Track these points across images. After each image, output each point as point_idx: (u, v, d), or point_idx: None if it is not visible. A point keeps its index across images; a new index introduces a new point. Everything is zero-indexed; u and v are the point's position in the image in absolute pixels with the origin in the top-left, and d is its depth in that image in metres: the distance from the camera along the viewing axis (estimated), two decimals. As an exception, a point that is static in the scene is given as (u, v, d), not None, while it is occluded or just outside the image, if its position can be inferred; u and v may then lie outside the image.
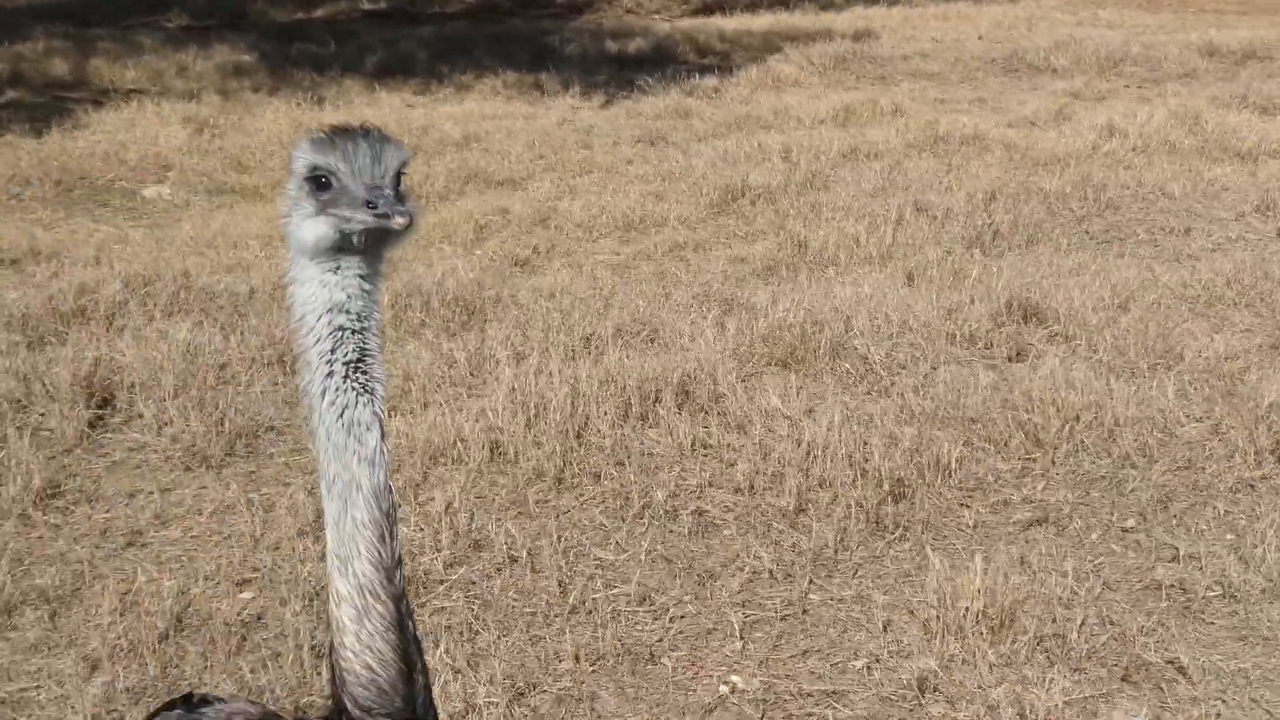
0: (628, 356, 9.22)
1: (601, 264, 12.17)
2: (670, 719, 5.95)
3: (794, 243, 12.16)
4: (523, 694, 6.06)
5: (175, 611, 6.65)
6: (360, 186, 2.91)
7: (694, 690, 6.13)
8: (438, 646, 6.37)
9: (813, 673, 6.20)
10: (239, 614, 6.68)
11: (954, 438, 7.91)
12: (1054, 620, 6.30)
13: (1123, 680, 5.99)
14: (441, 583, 6.96)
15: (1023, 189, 13.74)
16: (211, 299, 10.79)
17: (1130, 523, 7.18)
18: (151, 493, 7.90)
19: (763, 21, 29.98)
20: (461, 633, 6.48)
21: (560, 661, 6.34)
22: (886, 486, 7.44)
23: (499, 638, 6.47)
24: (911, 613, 6.54)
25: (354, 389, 2.95)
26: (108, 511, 7.71)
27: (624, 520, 7.44)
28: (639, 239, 13.05)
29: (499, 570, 7.05)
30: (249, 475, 8.13)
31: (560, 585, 6.89)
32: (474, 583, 6.96)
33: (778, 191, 14.22)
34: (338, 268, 2.99)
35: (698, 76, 21.64)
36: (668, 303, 10.66)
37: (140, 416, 8.74)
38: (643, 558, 7.14)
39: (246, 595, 6.91)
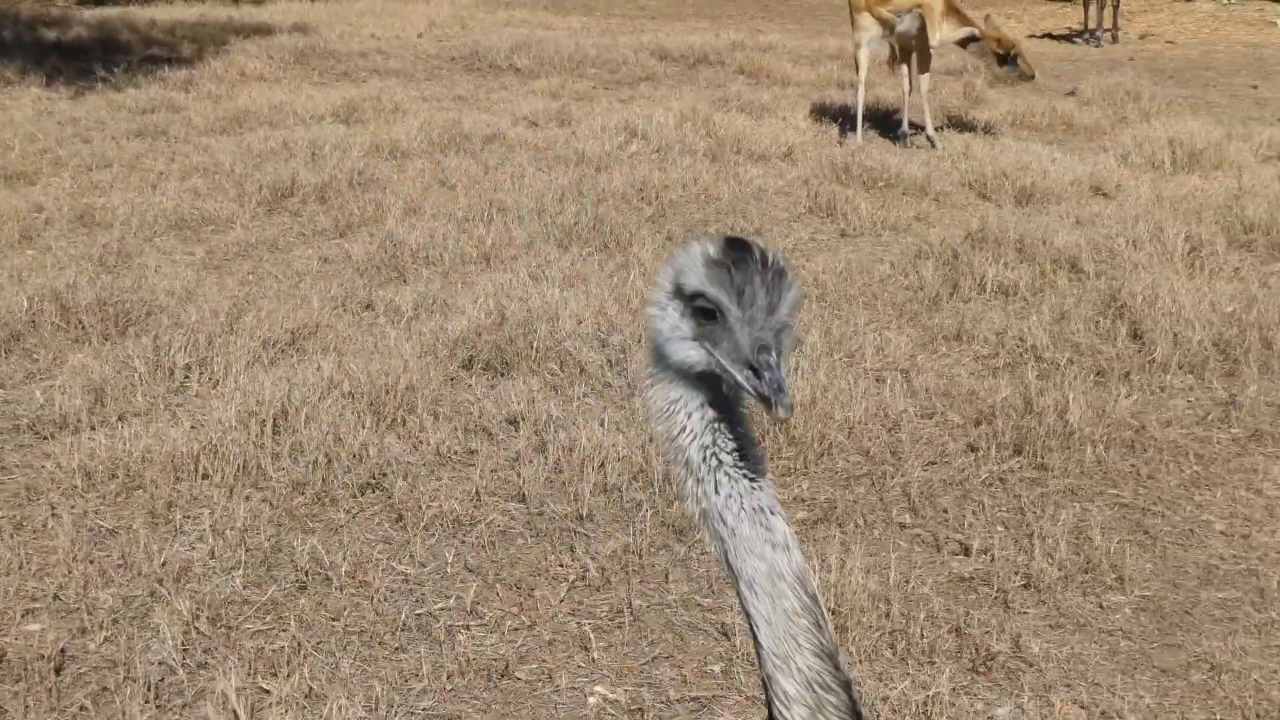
0: (334, 364, 8.76)
1: (185, 264, 11.43)
2: (549, 734, 5.75)
3: (393, 242, 11.81)
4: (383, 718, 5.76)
5: (-37, 652, 5.85)
6: (746, 337, 2.69)
7: (561, 703, 5.94)
8: (276, 675, 5.93)
9: (672, 680, 6.11)
10: (34, 648, 5.95)
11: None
12: (888, 617, 6.45)
13: (974, 673, 6.19)
14: (245, 603, 6.43)
15: (591, 191, 13.91)
16: None
17: (905, 518, 7.45)
18: None
19: (191, 13, 29.22)
20: (289, 659, 6.03)
21: (415, 681, 6.00)
22: (674, 489, 7.40)
23: (334, 661, 6.06)
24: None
25: (745, 477, 2.81)
26: None
27: (410, 531, 7.08)
28: (207, 239, 12.39)
29: (301, 590, 6.58)
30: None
31: (371, 602, 6.50)
32: (278, 603, 6.46)
33: (328, 189, 13.79)
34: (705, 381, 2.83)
35: (167, 68, 20.81)
36: (311, 307, 10.14)
37: None
38: (448, 570, 6.82)
39: (35, 627, 6.18)
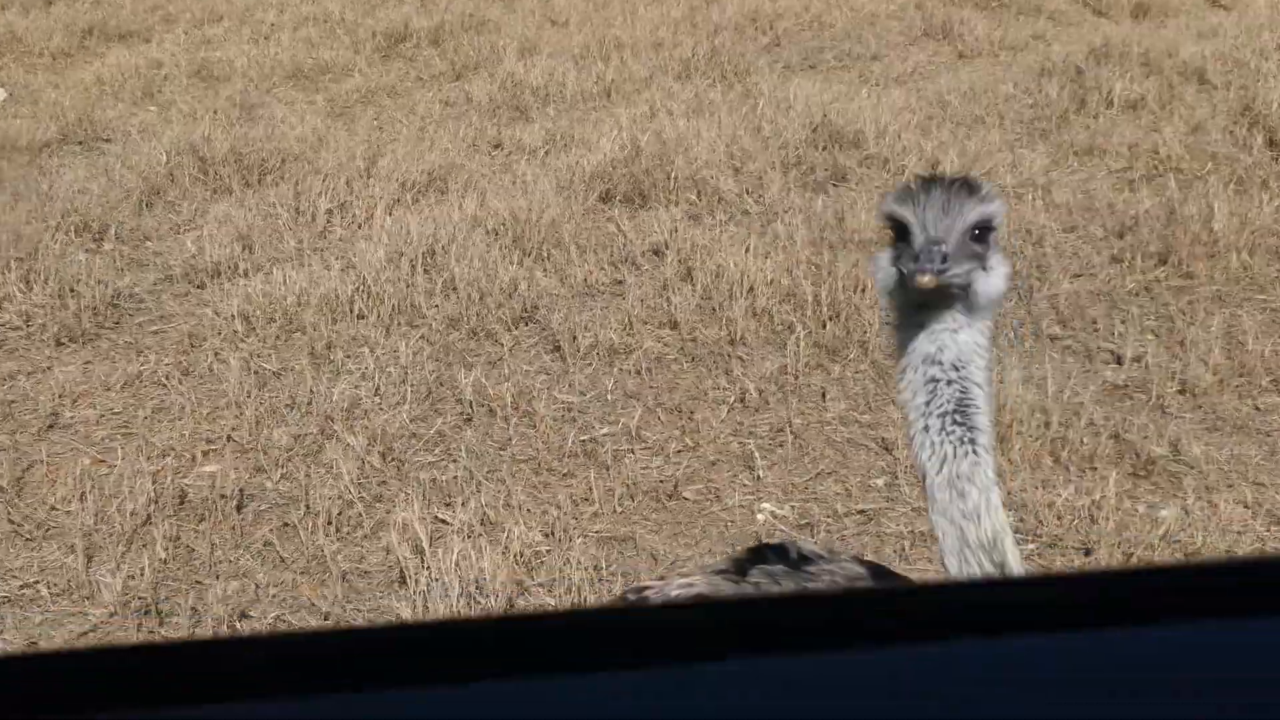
0: (476, 202, 8.83)
1: (310, 112, 11.49)
2: (723, 550, 5.82)
3: (513, 82, 11.80)
4: (560, 543, 5.86)
5: (148, 492, 5.98)
6: (923, 240, 2.74)
7: (730, 521, 6.01)
8: (449, 505, 6.03)
9: (837, 494, 6.17)
10: (215, 488, 6.08)
11: (864, 260, 7.97)
12: (1048, 426, 6.47)
13: (1135, 477, 6.22)
14: (413, 436, 6.54)
15: (704, 22, 13.80)
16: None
17: (1055, 329, 7.44)
18: (33, 373, 7.07)
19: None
20: (463, 488, 6.13)
21: (587, 505, 6.09)
22: (826, 310, 7.43)
23: (506, 490, 6.14)
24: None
25: (951, 442, 2.77)
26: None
27: (568, 361, 7.15)
28: (326, 87, 12.44)
29: (467, 422, 6.68)
30: (128, 346, 7.41)
31: (537, 431, 6.59)
32: (445, 435, 6.56)
33: (441, 32, 13.78)
34: (923, 321, 2.82)
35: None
36: (442, 150, 10.19)
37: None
38: (608, 398, 6.89)
39: (213, 468, 6.31)
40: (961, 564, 2.72)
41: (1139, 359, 6.99)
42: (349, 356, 7.25)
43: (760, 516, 6.04)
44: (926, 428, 2.76)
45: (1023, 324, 6.95)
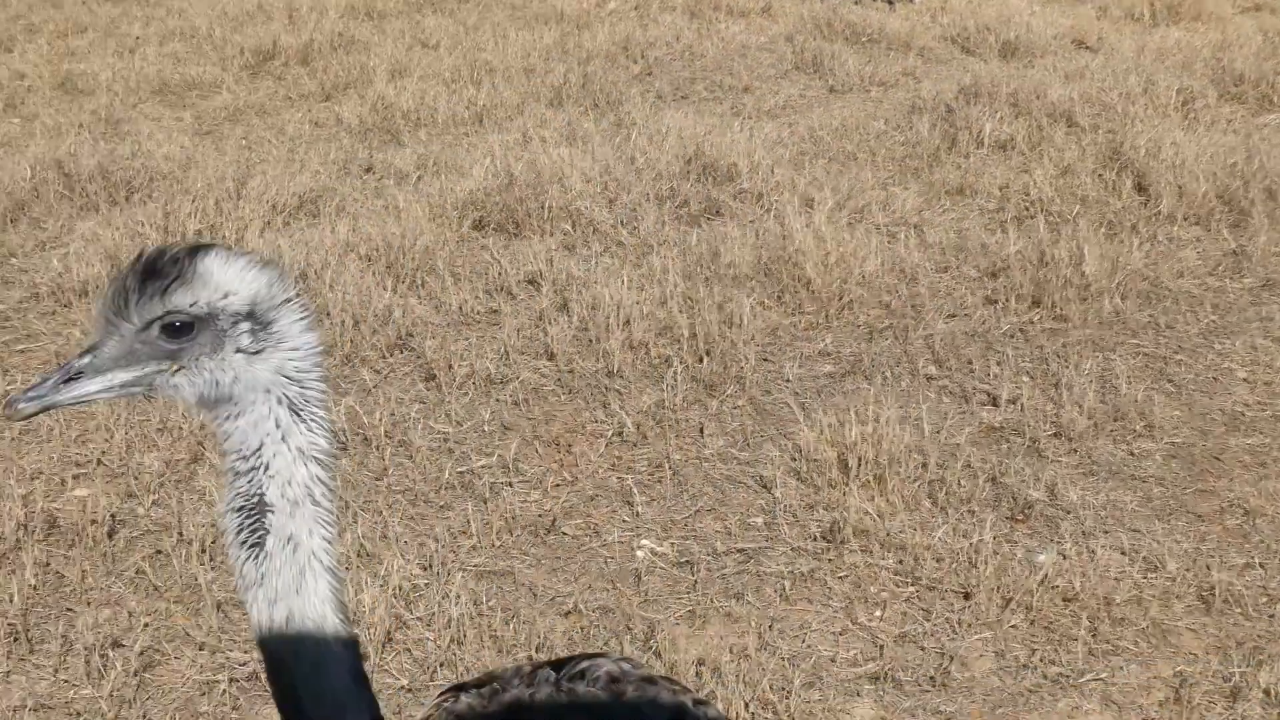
0: (349, 227, 8.74)
1: (177, 130, 11.31)
2: (602, 586, 5.81)
3: (384, 104, 11.71)
4: (439, 576, 5.83)
5: (17, 516, 5.88)
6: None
7: (610, 557, 6.01)
8: (340, 535, 5.92)
9: (717, 532, 6.18)
10: (86, 513, 5.97)
11: (735, 297, 8.01)
12: (925, 468, 6.53)
13: (1013, 520, 6.28)
14: (287, 467, 6.42)
15: (575, 49, 13.79)
16: None
17: (931, 369, 7.51)
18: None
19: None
20: (339, 519, 6.02)
21: (465, 538, 6.06)
22: (702, 345, 7.45)
23: (383, 521, 6.16)
24: (793, 467, 6.60)
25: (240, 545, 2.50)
26: None
27: (444, 391, 7.11)
28: (194, 104, 12.29)
29: (342, 450, 6.60)
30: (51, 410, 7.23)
31: (413, 461, 6.54)
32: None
33: (310, 51, 13.64)
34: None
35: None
36: (313, 172, 10.07)
37: None
38: (485, 428, 6.85)
39: (83, 492, 6.18)
40: None
41: (1015, 401, 7.07)
42: (220, 381, 7.10)
43: (640, 554, 6.03)
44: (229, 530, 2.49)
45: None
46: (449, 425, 6.84)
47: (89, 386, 2.39)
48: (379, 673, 5.20)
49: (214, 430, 2.48)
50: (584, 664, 3.08)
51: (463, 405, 6.99)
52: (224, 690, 5.17)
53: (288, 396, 2.45)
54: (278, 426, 2.44)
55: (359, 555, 5.81)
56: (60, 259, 8.45)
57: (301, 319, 2.47)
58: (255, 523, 2.42)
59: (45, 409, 2.40)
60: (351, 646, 2.42)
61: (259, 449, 2.43)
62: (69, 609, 5.57)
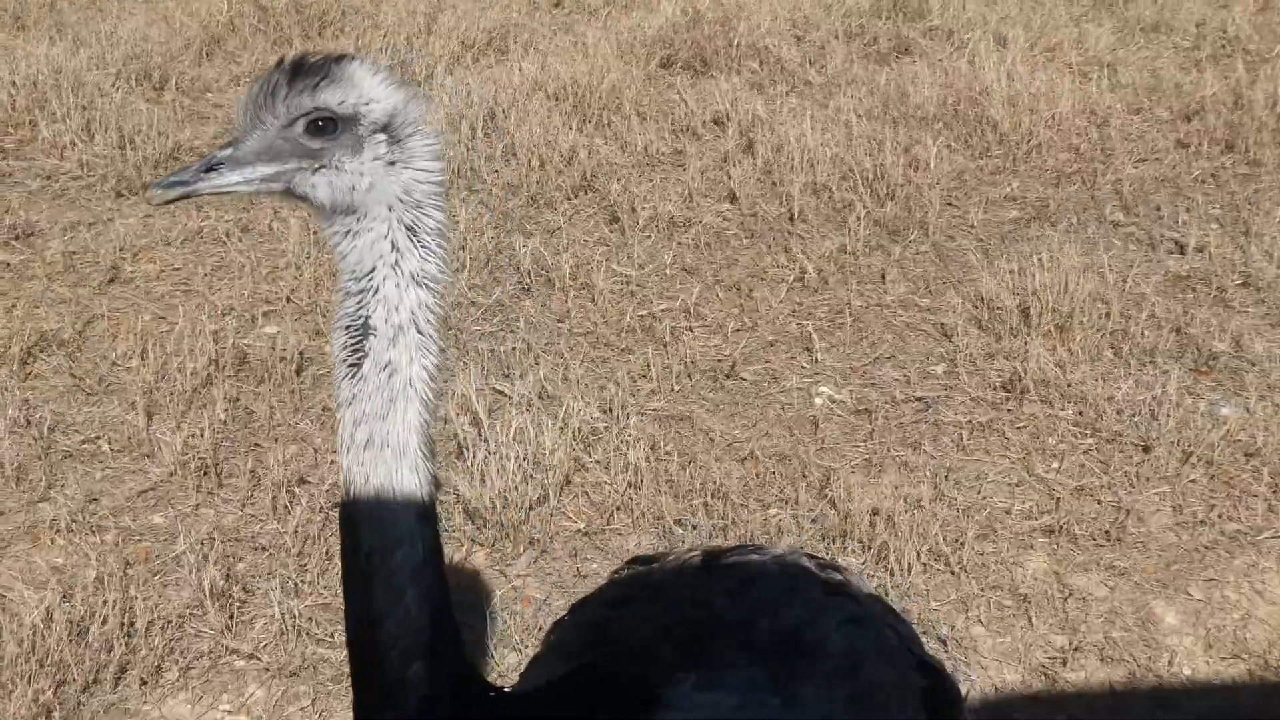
0: (538, 65, 8.74)
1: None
2: (779, 433, 5.83)
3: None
4: (617, 420, 5.85)
5: (209, 352, 6.01)
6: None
7: (788, 403, 6.01)
8: (507, 377, 6.02)
9: (896, 380, 6.16)
10: (275, 351, 6.10)
11: (925, 138, 7.91)
12: (1108, 318, 6.43)
13: (1196, 372, 6.18)
14: (472, 305, 6.54)
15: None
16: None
17: (1119, 216, 7.37)
18: (94, 224, 7.08)
19: None
20: (521, 360, 6.13)
21: (645, 382, 6.10)
22: (886, 189, 7.38)
23: (564, 363, 6.20)
24: (974, 315, 6.55)
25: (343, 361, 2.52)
26: (52, 245, 6.97)
27: (627, 233, 7.13)
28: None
29: (525, 292, 6.68)
30: (190, 199, 7.32)
31: (595, 304, 6.58)
32: (504, 305, 6.56)
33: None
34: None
35: None
36: (503, 7, 10.08)
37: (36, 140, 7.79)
38: (667, 272, 6.88)
39: (271, 330, 6.32)
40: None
41: (1202, 249, 6.95)
42: (405, 220, 7.20)
43: (818, 400, 6.06)
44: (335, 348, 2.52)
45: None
46: (631, 268, 6.88)
47: (230, 177, 2.42)
48: (556, 516, 5.30)
49: (333, 247, 2.52)
50: (741, 556, 3.08)
51: (645, 248, 7.03)
52: (405, 529, 5.28)
53: (407, 220, 2.45)
54: (394, 249, 2.45)
55: (540, 397, 5.89)
56: (253, 94, 8.56)
57: (431, 144, 2.47)
58: (358, 344, 2.44)
59: (185, 196, 2.43)
60: (428, 480, 2.43)
61: (371, 272, 2.45)
62: (257, 444, 5.74)
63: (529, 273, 6.78)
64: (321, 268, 6.79)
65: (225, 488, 5.50)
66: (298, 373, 6.12)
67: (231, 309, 6.55)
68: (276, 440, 5.74)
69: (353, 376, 2.42)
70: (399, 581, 2.35)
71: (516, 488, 5.25)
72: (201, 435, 5.64)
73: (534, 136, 7.81)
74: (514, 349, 6.26)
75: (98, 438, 5.73)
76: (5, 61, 8.73)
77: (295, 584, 4.93)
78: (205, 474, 5.52)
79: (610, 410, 5.87)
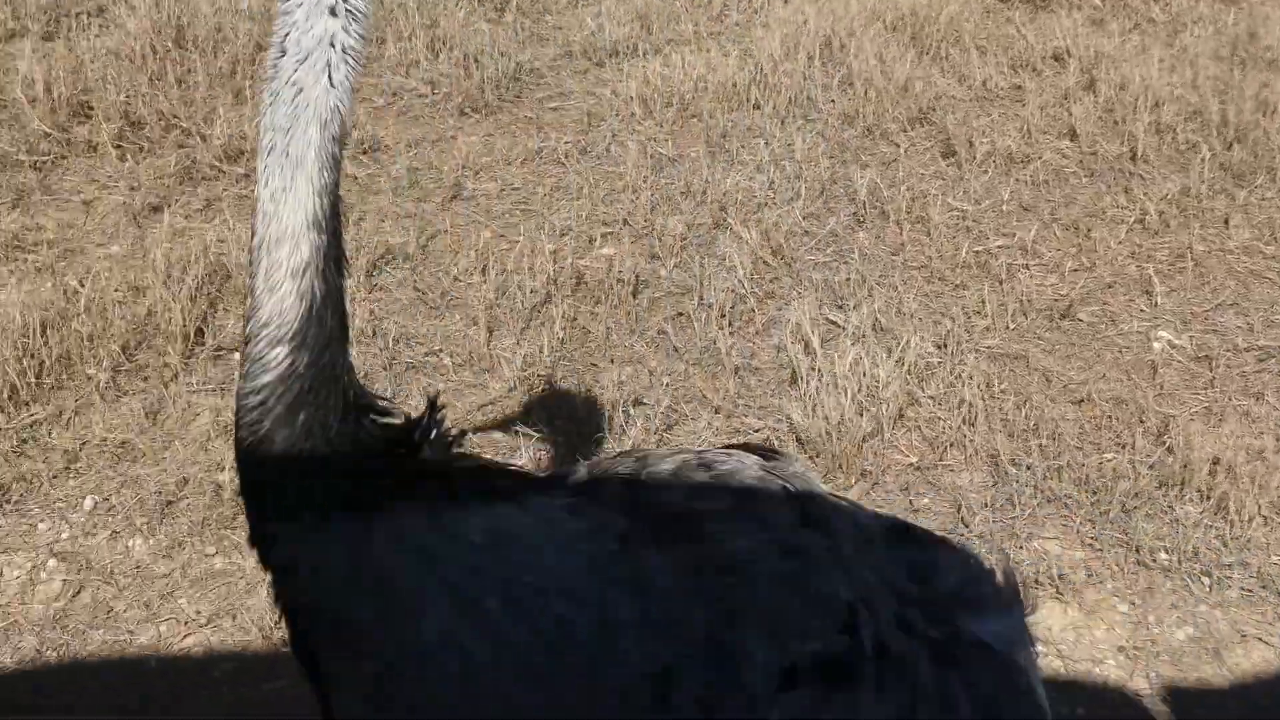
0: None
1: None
2: (1116, 376, 5.71)
3: None
4: (952, 356, 5.84)
5: (547, 271, 6.14)
6: None
7: (1125, 347, 5.89)
8: (840, 308, 6.03)
9: (1238, 328, 5.99)
10: (611, 272, 6.21)
11: (1275, 81, 7.65)
12: None
13: None
14: (806, 234, 6.55)
15: None
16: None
17: None
18: (438, 141, 7.28)
19: None
20: (854, 292, 6.13)
21: (979, 319, 6.03)
22: (1233, 132, 7.15)
23: (898, 296, 6.21)
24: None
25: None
26: (398, 160, 7.23)
27: (963, 168, 7.06)
28: None
29: (859, 223, 6.66)
30: (528, 121, 7.55)
31: (930, 238, 6.53)
32: (838, 236, 6.55)
33: None
34: None
35: None
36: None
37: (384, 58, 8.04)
38: (1004, 209, 6.79)
39: (609, 251, 6.43)
40: None
41: None
42: (743, 147, 7.28)
43: (1157, 345, 5.95)
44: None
45: None
46: (967, 203, 6.83)
47: None
48: (889, 449, 5.32)
49: None
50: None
51: (982, 183, 6.97)
52: (740, 455, 5.36)
53: None
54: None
55: (874, 330, 5.90)
56: (593, 17, 8.71)
57: None
58: (275, 61, 2.61)
59: None
60: (323, 192, 2.62)
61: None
62: (593, 364, 5.86)
63: (864, 204, 6.76)
64: (658, 192, 6.89)
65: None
66: (634, 294, 6.22)
67: (569, 229, 6.67)
68: (612, 361, 5.85)
69: (269, 89, 2.61)
70: (278, 276, 2.58)
71: (850, 419, 5.27)
72: (540, 353, 5.78)
73: (870, 67, 7.77)
74: (848, 279, 6.27)
75: (440, 350, 5.92)
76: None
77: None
78: (544, 391, 5.64)
79: (944, 346, 5.85)
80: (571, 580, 2.57)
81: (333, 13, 2.60)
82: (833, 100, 7.64)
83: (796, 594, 2.61)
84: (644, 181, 6.96)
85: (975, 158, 7.11)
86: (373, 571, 2.58)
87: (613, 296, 6.20)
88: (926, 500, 5.09)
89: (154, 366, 5.71)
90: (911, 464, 5.29)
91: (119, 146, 7.12)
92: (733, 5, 8.94)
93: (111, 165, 7.04)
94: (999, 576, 2.82)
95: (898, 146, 7.28)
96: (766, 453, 3.00)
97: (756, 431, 5.41)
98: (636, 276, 6.32)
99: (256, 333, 2.60)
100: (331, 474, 2.61)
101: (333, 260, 2.62)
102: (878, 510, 3.14)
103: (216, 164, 7.01)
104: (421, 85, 7.96)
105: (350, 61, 2.64)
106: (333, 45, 2.60)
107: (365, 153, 7.26)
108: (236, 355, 5.72)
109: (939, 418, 5.44)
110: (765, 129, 7.41)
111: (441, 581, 2.55)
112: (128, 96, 7.37)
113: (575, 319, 6.08)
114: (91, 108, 7.44)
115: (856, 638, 2.54)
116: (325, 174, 2.60)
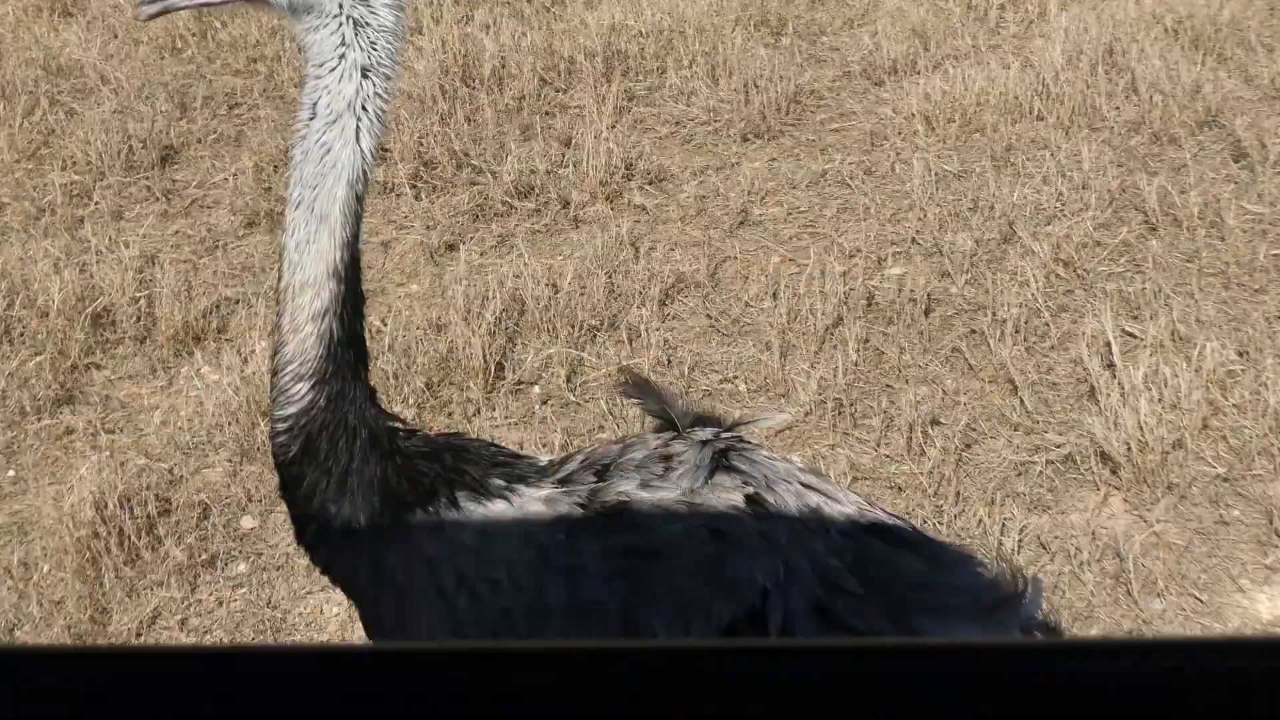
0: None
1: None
2: None
3: None
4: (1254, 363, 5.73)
5: (838, 293, 6.22)
6: None
7: None
8: (1136, 318, 5.97)
9: None
10: (902, 292, 6.25)
11: None
12: None
13: None
14: (1097, 245, 6.50)
15: None
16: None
17: None
18: (721, 168, 7.42)
19: None
20: (1150, 301, 6.06)
21: (1278, 323, 5.93)
22: None
23: (1195, 304, 6.13)
24: None
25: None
26: (685, 189, 7.38)
27: (1256, 170, 6.94)
28: None
29: (1152, 232, 6.59)
30: (811, 144, 7.62)
31: (1224, 243, 6.44)
32: (1129, 245, 6.49)
33: None
34: None
35: None
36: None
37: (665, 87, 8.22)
38: None
39: (898, 270, 6.48)
40: None
41: None
42: (1029, 159, 7.27)
43: None
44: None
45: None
46: (1262, 206, 6.73)
47: None
48: (1196, 460, 5.29)
49: (302, 43, 2.89)
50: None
51: (1276, 185, 6.85)
52: (1039, 472, 5.38)
53: (355, 15, 2.81)
54: (342, 43, 2.81)
55: (1172, 338, 5.85)
56: (870, 36, 8.75)
57: None
58: (306, 122, 2.84)
59: (164, 11, 2.84)
60: (344, 245, 2.86)
61: (324, 63, 2.83)
62: (888, 385, 5.92)
63: (1154, 212, 6.70)
64: (944, 208, 6.92)
65: (859, 428, 5.69)
66: (926, 314, 6.26)
67: (858, 250, 6.74)
68: (907, 381, 5.90)
69: (300, 148, 2.83)
70: (300, 319, 2.84)
71: (1151, 431, 5.25)
72: (834, 375, 5.86)
73: (1155, 70, 7.69)
74: (1142, 289, 6.23)
75: (735, 376, 6.03)
76: (632, 9, 9.18)
77: (934, 524, 5.10)
78: (840, 414, 5.73)
79: (1246, 353, 5.77)
80: (520, 572, 2.85)
81: (365, 75, 2.83)
82: (1117, 108, 7.57)
83: (711, 578, 2.80)
84: (930, 199, 6.99)
85: (1268, 159, 6.99)
86: (389, 579, 2.93)
87: (905, 316, 6.24)
88: (1237, 512, 5.06)
89: (457, 401, 5.94)
90: (1219, 474, 5.24)
91: (414, 186, 7.38)
92: (1009, 16, 8.89)
93: (407, 205, 7.31)
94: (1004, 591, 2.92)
95: (1185, 152, 7.18)
96: (735, 438, 3.19)
97: (1058, 447, 5.42)
98: (928, 295, 6.35)
99: (282, 368, 2.89)
100: (354, 493, 2.90)
101: (350, 305, 2.89)
102: (889, 510, 3.24)
103: (508, 199, 7.23)
104: (703, 114, 8.08)
105: (378, 123, 2.87)
106: (364, 109, 2.83)
107: (651, 183, 7.42)
108: (536, 389, 5.95)
109: (1245, 426, 5.38)
110: (1050, 140, 7.37)
111: (437, 588, 2.88)
112: (420, 137, 7.64)
113: (868, 340, 6.14)
114: (387, 149, 7.77)
115: (761, 620, 2.71)
116: (347, 229, 2.85)
